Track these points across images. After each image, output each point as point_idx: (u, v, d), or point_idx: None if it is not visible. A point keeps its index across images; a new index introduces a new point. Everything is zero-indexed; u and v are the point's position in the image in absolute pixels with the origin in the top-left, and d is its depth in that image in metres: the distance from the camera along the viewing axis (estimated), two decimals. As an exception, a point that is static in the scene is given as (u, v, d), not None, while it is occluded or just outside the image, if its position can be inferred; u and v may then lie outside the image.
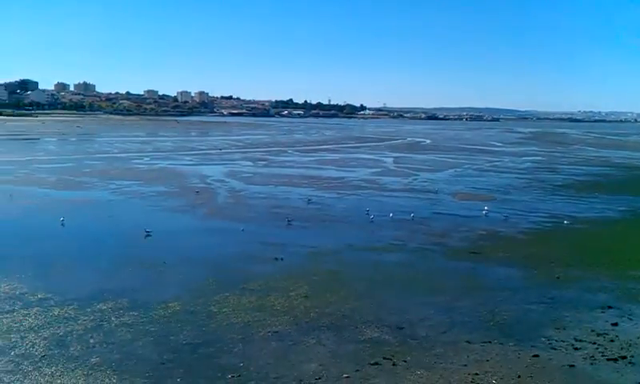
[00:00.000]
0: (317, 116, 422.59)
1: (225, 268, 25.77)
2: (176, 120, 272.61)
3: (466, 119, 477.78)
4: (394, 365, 16.41)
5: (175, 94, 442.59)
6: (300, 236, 32.97)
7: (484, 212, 40.72)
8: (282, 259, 27.29)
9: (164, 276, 24.39)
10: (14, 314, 19.18)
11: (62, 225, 33.42)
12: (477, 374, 15.85)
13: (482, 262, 28.14)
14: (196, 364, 16.13)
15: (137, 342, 17.37)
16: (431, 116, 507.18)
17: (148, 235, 31.36)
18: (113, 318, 19.09)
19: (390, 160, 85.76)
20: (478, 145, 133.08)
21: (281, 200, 45.46)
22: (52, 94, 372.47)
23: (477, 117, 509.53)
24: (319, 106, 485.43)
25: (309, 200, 44.35)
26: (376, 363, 16.44)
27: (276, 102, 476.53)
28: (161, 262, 26.20)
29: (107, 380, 14.87)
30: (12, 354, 16.17)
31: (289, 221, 35.89)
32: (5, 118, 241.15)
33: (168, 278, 24.17)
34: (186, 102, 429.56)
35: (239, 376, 15.42)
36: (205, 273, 24.77)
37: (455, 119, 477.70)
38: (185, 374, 15.45)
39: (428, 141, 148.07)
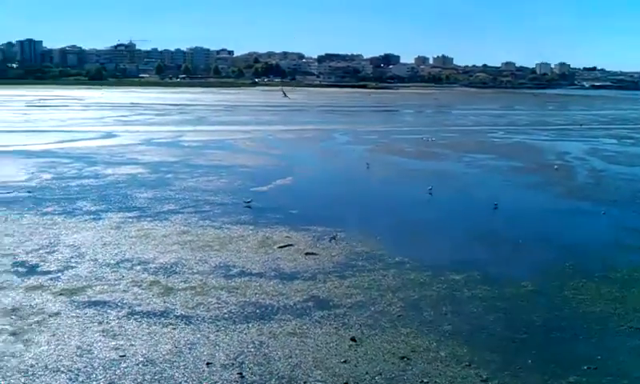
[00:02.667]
0: None
1: (582, 252, 24.10)
2: (533, 93, 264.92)
3: None
4: None
5: (533, 66, 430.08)
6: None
7: None
8: (649, 249, 24.47)
9: (516, 253, 23.81)
10: (375, 273, 20.63)
11: (430, 194, 34.62)
12: None
13: None
14: (548, 348, 15.38)
15: (487, 316, 17.26)
16: None
17: (495, 208, 31.08)
18: (465, 290, 19.27)
19: None
20: None
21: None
22: (412, 68, 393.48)
23: None
24: None
25: None
26: None
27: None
28: (515, 240, 25.65)
29: (458, 349, 15.05)
30: (372, 309, 17.41)
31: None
32: (369, 90, 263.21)
33: (520, 255, 23.55)
34: (544, 74, 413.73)
35: (595, 368, 14.27)
36: (559, 255, 23.51)
37: None
38: (536, 355, 14.84)
39: None
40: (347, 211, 30.49)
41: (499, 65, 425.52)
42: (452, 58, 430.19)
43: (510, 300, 18.55)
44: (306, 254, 22.42)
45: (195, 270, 20.25)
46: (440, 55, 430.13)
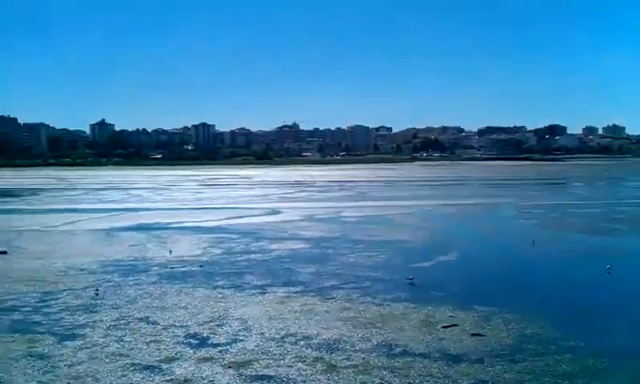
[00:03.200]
0: None
1: None
2: None
3: None
4: None
5: None
6: None
7: None
8: None
9: None
10: (547, 357, 19.18)
11: (609, 273, 31.37)
12: None
13: None
14: None
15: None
16: None
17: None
18: (650, 379, 17.36)
19: None
20: None
21: None
22: (580, 138, 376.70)
23: None
24: None
25: None
26: None
27: None
28: None
29: None
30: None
31: None
32: (533, 163, 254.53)
33: None
34: None
35: None
36: None
37: None
38: None
39: None
40: (514, 290, 29.03)
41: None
42: (623, 127, 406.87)
43: None
44: (472, 334, 21.43)
45: (357, 348, 20.03)
46: (610, 124, 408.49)
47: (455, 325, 22.54)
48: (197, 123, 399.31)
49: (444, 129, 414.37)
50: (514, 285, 30.28)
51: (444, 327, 22.26)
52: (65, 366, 18.43)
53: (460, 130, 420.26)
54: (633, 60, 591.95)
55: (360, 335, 21.36)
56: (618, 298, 27.85)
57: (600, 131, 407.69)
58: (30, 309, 24.96)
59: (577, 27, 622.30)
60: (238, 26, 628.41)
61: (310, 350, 19.79)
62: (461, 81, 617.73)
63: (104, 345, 20.42)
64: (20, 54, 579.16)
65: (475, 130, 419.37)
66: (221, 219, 58.29)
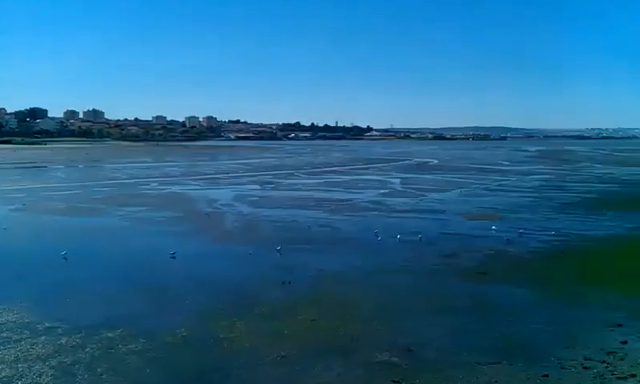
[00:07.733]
0: (324, 138, 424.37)
1: (232, 292, 25.76)
2: (183, 145, 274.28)
3: (473, 138, 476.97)
4: (403, 388, 16.42)
5: (183, 120, 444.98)
6: (308, 259, 32.82)
7: (492, 231, 40.59)
8: (289, 283, 27.24)
9: (171, 301, 24.37)
10: (22, 342, 19.24)
11: (65, 259, 32.08)
12: (486, 395, 15.81)
13: (490, 282, 27.92)
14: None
15: (145, 369, 17.45)
16: (438, 136, 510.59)
17: (173, 257, 32.31)
18: (120, 346, 19.13)
19: (398, 181, 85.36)
20: (485, 164, 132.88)
21: (289, 223, 45.42)
22: (61, 122, 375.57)
23: (484, 136, 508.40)
24: (326, 128, 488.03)
25: (309, 227, 43.57)
26: (385, 386, 16.44)
27: (283, 125, 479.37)
28: (167, 287, 26.31)
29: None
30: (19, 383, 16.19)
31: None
32: (14, 146, 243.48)
33: (175, 303, 24.14)
34: (193, 127, 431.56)
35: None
36: (211, 298, 24.80)
37: (462, 139, 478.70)
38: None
39: (435, 161, 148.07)
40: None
41: (150, 118, 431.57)
42: (103, 112, 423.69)
43: (166, 349, 19.07)
44: None
45: None
46: (90, 109, 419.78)
47: None
48: None
49: None
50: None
51: None
52: None
53: None
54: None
55: None
56: (81, 273, 29.25)
57: (81, 115, 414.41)
58: None
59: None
60: None
61: None
62: None
63: None
64: None
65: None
66: None
